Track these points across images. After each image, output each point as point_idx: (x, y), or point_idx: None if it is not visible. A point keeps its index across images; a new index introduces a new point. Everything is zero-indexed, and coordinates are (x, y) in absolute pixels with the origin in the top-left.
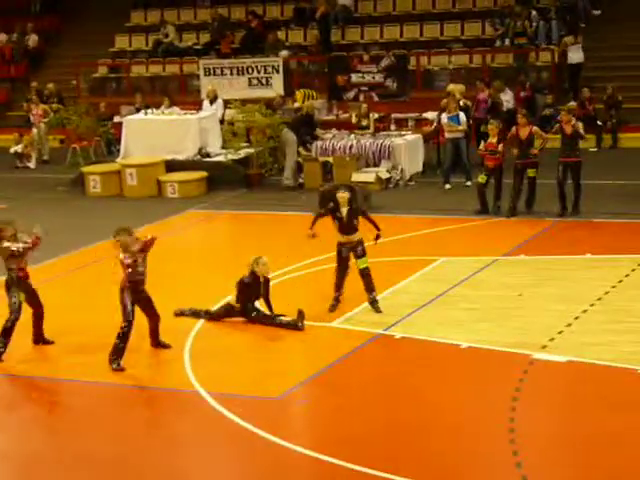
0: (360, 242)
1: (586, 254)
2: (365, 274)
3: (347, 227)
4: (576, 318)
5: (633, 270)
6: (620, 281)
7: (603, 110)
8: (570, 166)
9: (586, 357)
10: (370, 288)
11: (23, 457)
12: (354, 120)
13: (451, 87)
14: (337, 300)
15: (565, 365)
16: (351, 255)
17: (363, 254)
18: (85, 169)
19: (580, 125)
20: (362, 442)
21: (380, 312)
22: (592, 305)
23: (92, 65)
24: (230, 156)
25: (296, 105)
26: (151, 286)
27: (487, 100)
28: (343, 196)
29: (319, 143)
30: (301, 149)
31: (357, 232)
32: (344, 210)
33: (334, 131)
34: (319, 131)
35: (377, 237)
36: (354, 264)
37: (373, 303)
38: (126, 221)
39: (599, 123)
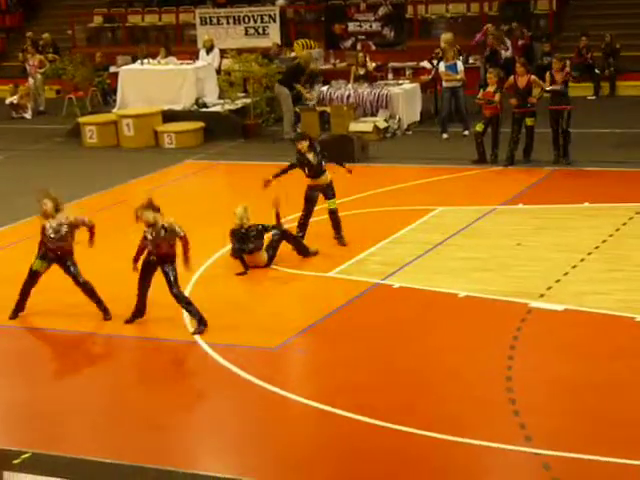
0: (330, 184)
1: (584, 203)
2: (334, 215)
3: (317, 170)
4: (574, 267)
5: (631, 218)
6: (617, 230)
7: (601, 58)
8: (561, 114)
9: (583, 305)
10: (338, 228)
11: (24, 406)
12: (353, 74)
13: (444, 37)
14: (301, 238)
15: (562, 314)
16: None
17: (333, 196)
18: (81, 120)
19: (568, 63)
20: (359, 391)
21: (345, 245)
22: (590, 254)
23: (88, 15)
24: (227, 106)
25: (293, 54)
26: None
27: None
28: (303, 145)
29: (316, 93)
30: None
31: (326, 174)
32: (310, 156)
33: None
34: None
35: (349, 171)
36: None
37: (339, 239)
38: (123, 172)
39: (597, 71)
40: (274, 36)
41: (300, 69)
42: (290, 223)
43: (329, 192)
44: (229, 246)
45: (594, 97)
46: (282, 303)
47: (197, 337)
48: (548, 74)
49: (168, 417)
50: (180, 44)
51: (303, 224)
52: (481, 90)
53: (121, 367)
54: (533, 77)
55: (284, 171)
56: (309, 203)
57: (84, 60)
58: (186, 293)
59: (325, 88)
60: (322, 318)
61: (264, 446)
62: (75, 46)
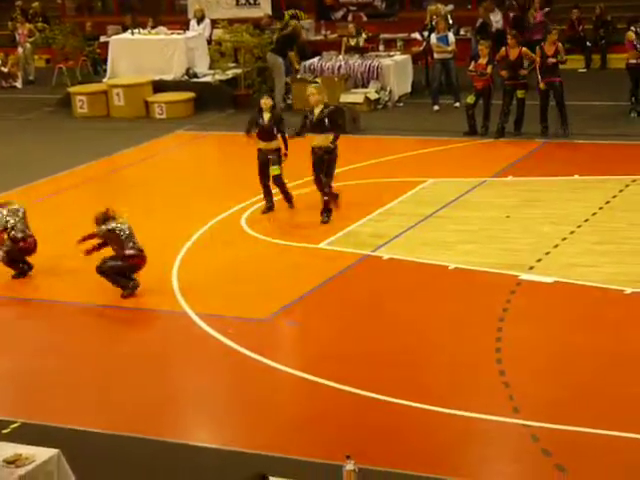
0: (277, 150)
1: (574, 175)
2: (277, 181)
3: (266, 134)
4: (563, 239)
5: (620, 191)
6: (607, 202)
7: (592, 30)
8: (552, 86)
9: (573, 278)
10: (287, 197)
11: (13, 376)
12: (344, 45)
13: (434, 8)
14: (267, 206)
15: (552, 286)
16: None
17: (276, 163)
18: (72, 89)
19: (561, 47)
20: (347, 362)
21: (293, 208)
22: (579, 226)
23: None
24: (218, 76)
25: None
26: (139, 207)
27: (543, 22)
28: (266, 102)
29: (307, 63)
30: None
31: (276, 141)
32: (266, 116)
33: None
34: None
35: (284, 154)
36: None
37: (289, 202)
38: (113, 142)
39: (588, 44)
40: (265, 7)
41: (293, 37)
42: (277, 195)
43: (273, 157)
44: (220, 216)
45: (585, 69)
46: (272, 274)
47: (187, 308)
48: (538, 48)
49: (156, 388)
50: (171, 14)
51: (263, 192)
52: (472, 62)
53: (110, 338)
54: (524, 49)
55: (248, 131)
56: (259, 165)
57: (74, 29)
58: (175, 266)
59: (317, 59)
60: (312, 290)
61: (250, 415)
62: (65, 15)
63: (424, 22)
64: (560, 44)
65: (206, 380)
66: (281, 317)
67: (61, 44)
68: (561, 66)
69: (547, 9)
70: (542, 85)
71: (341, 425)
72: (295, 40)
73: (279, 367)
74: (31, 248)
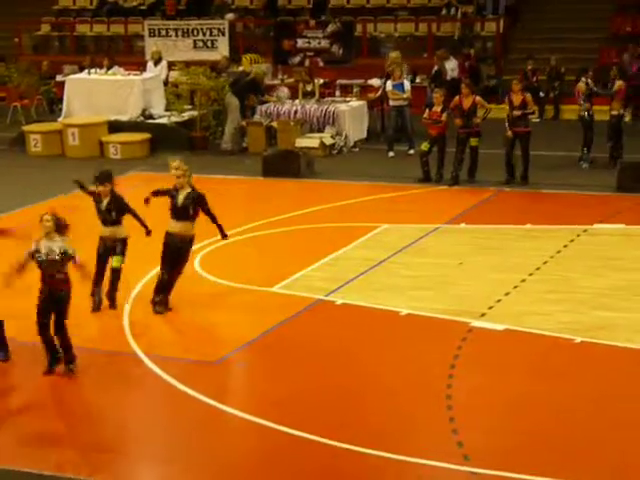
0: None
1: (526, 224)
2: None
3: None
4: (515, 287)
5: (572, 241)
6: (559, 252)
7: (546, 81)
8: (519, 136)
9: (524, 326)
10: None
11: None
12: (301, 90)
13: (392, 55)
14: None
15: (503, 333)
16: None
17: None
18: (26, 128)
19: (529, 98)
20: (296, 406)
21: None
22: (531, 275)
23: (35, 23)
24: (174, 118)
25: (241, 69)
26: (91, 247)
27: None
28: (103, 189)
29: (263, 107)
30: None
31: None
32: (103, 204)
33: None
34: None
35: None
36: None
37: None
38: (66, 181)
39: (541, 94)
40: (223, 50)
41: (255, 84)
42: (231, 237)
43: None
44: None
45: (538, 120)
46: (224, 317)
47: (136, 349)
48: (506, 98)
49: (102, 429)
50: (128, 55)
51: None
52: (427, 110)
53: (58, 377)
54: (478, 98)
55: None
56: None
57: (30, 68)
58: (126, 307)
59: (272, 105)
60: (264, 333)
61: (196, 458)
62: (22, 54)
63: (384, 69)
64: (529, 95)
65: (150, 421)
66: (231, 360)
67: (17, 82)
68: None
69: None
70: (509, 134)
71: (286, 468)
72: (257, 88)
73: (227, 409)
74: None
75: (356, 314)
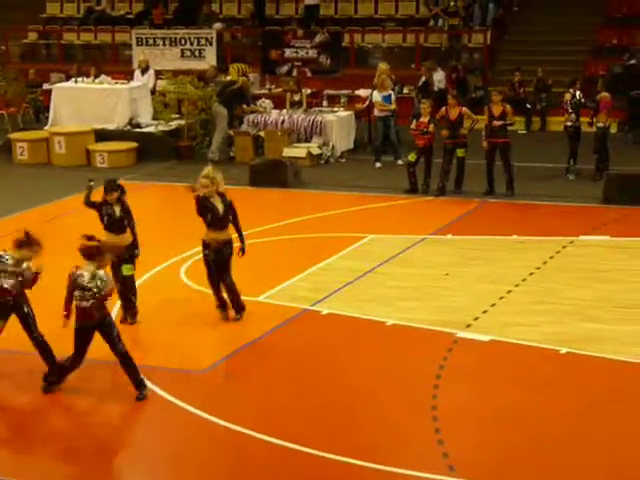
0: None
1: (512, 235)
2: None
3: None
4: (501, 298)
5: (558, 252)
6: (545, 263)
7: (533, 93)
8: (498, 147)
9: (509, 337)
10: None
11: None
12: (288, 100)
13: (381, 67)
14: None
15: (488, 344)
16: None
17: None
18: (12, 136)
19: (509, 109)
20: (282, 416)
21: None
22: (517, 286)
23: (22, 31)
24: (161, 127)
25: (229, 78)
26: (74, 257)
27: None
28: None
29: (251, 117)
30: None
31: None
32: (117, 208)
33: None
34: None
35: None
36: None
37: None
38: (52, 190)
39: (528, 106)
40: (210, 59)
41: (242, 92)
42: None
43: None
44: (159, 267)
45: (525, 131)
46: (210, 326)
47: None
48: (486, 108)
49: (87, 439)
50: (116, 64)
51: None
52: (414, 121)
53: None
54: (464, 109)
55: None
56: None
57: (17, 76)
58: (113, 313)
59: (259, 116)
60: (250, 342)
61: (182, 469)
62: (9, 62)
63: (373, 80)
64: (508, 106)
65: (136, 431)
66: (218, 369)
67: (3, 90)
68: None
69: None
70: (485, 144)
71: (271, 479)
72: (244, 95)
73: (214, 420)
74: None
75: (342, 324)
